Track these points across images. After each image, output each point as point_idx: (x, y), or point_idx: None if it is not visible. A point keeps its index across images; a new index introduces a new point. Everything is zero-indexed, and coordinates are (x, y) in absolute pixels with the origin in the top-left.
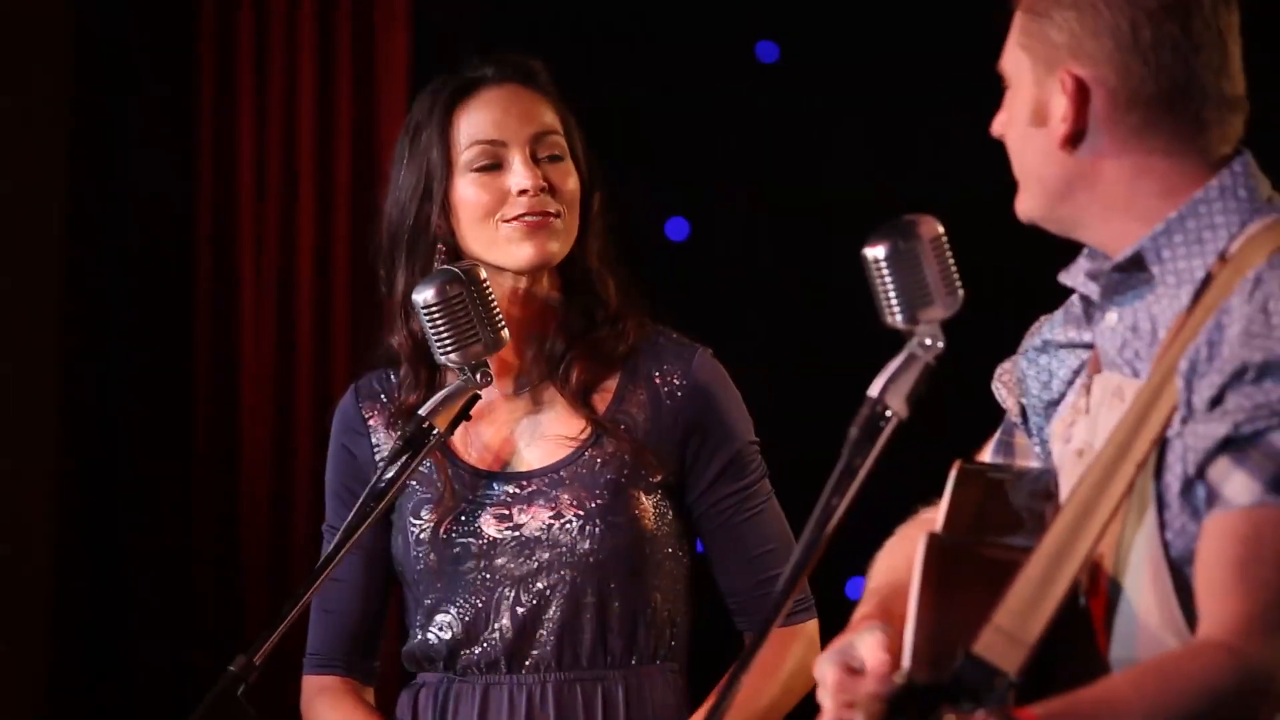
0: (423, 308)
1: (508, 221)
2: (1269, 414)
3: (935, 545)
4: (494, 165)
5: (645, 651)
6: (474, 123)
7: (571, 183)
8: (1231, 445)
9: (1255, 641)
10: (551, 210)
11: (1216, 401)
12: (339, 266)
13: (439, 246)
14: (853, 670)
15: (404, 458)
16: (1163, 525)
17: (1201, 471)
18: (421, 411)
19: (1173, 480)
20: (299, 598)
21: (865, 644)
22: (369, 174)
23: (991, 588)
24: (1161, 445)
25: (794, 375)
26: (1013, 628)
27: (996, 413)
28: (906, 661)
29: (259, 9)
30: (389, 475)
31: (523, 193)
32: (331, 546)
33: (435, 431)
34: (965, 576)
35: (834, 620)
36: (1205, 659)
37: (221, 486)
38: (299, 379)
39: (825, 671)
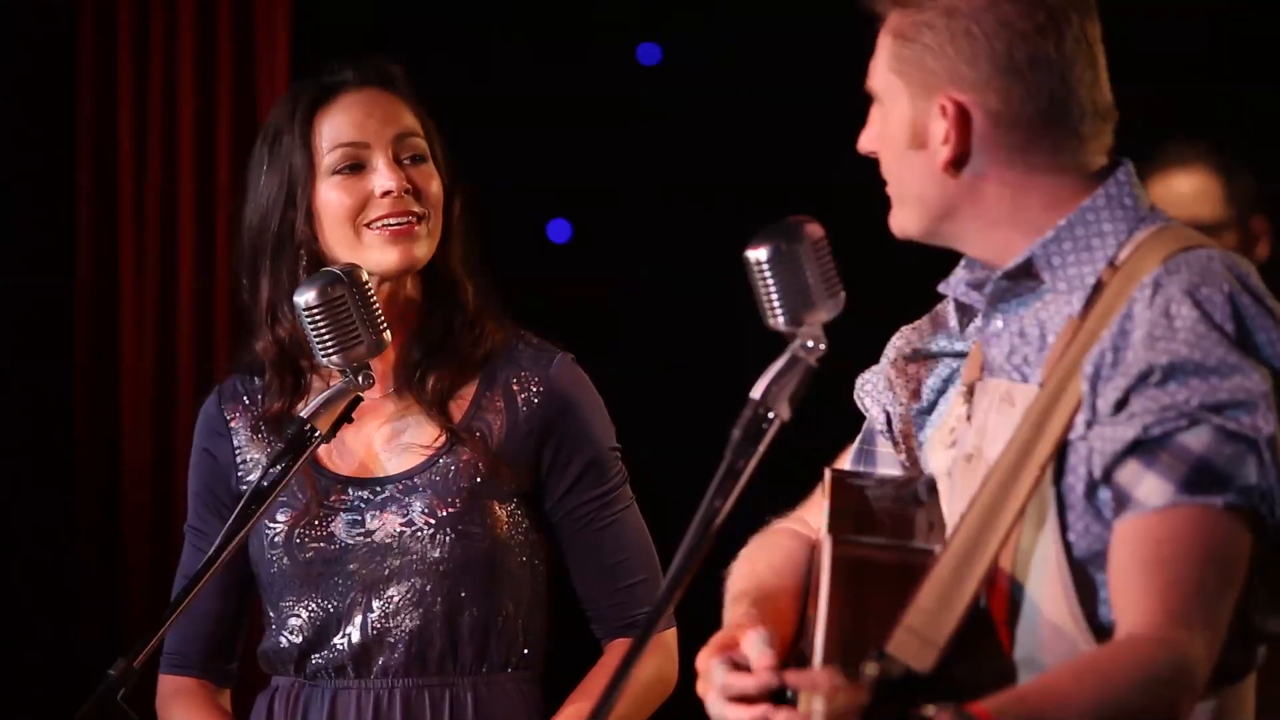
0: (304, 309)
1: (371, 226)
2: (1176, 415)
3: (841, 548)
4: (357, 167)
5: (496, 660)
6: (336, 126)
7: (435, 185)
8: (1140, 448)
9: (1183, 635)
10: (416, 212)
11: (1121, 405)
12: (220, 265)
13: (301, 253)
14: (739, 666)
15: (285, 460)
16: (1064, 527)
17: (1108, 475)
18: (304, 413)
19: (1075, 482)
20: (179, 602)
21: (751, 641)
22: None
23: (898, 590)
24: (1062, 448)
25: (676, 377)
26: (924, 628)
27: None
28: (818, 663)
29: (138, 6)
30: (270, 478)
31: (386, 194)
32: (212, 550)
33: (317, 434)
34: (872, 580)
35: (689, 624)
36: (1140, 651)
37: (102, 487)
38: (180, 378)
39: (713, 668)
